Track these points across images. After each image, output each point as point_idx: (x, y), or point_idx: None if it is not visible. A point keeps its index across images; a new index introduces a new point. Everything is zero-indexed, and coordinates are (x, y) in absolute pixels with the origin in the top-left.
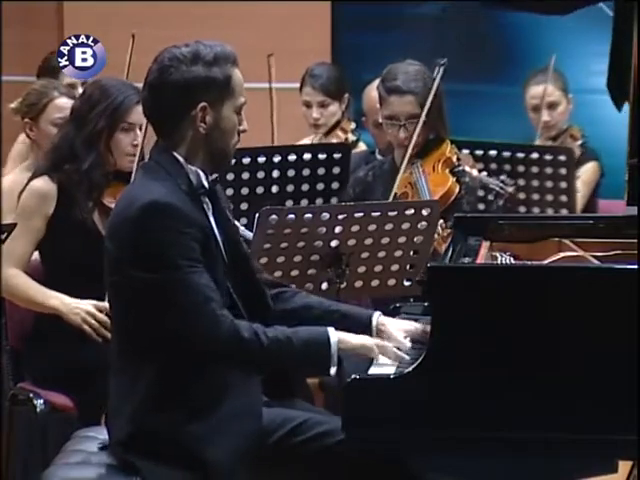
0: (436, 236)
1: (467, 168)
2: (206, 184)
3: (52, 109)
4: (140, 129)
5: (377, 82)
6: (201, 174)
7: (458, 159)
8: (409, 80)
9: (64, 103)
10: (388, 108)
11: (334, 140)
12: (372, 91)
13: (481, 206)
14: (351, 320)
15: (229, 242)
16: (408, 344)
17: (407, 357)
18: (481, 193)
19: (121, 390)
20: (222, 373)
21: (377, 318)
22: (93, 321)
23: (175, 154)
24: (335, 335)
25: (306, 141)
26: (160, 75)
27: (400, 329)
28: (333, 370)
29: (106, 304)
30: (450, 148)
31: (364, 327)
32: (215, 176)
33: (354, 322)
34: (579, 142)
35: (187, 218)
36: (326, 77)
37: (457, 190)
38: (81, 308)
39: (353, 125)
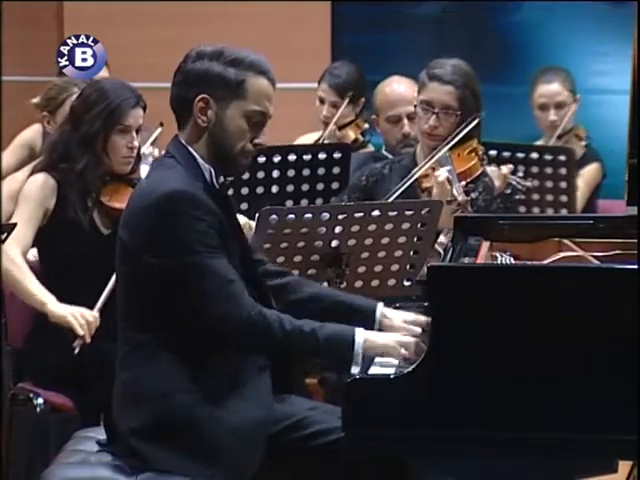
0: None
1: (489, 170)
2: (216, 184)
3: (69, 105)
4: (137, 132)
5: (391, 79)
6: (213, 173)
7: (482, 159)
8: (453, 72)
9: None
10: (426, 93)
11: (350, 131)
12: (386, 87)
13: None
14: (356, 312)
15: (238, 240)
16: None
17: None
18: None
19: (131, 377)
20: (237, 361)
21: (380, 310)
22: (79, 316)
23: (190, 150)
24: (362, 335)
25: (314, 135)
26: (181, 64)
27: (403, 320)
28: (355, 369)
29: (95, 313)
30: (477, 143)
31: (369, 319)
32: (225, 180)
33: (359, 314)
34: (583, 142)
35: (205, 206)
36: (344, 80)
37: (480, 170)
38: (69, 307)
39: (366, 126)
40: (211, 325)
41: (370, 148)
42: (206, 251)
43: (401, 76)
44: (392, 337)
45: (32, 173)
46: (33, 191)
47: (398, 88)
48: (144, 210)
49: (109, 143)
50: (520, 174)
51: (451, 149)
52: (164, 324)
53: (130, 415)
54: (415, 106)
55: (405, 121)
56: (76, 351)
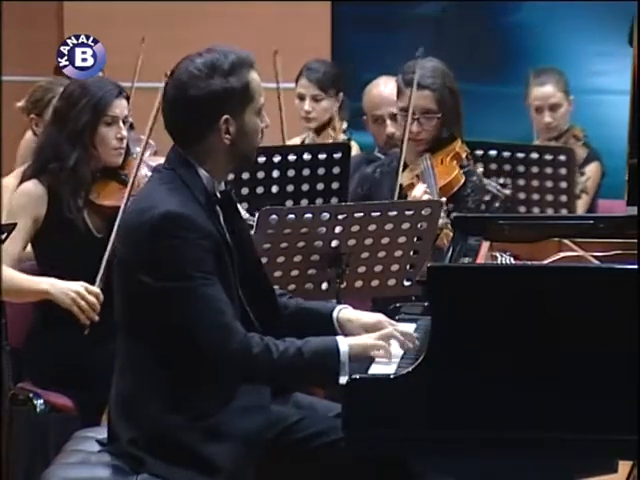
0: (447, 232)
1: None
2: (218, 193)
3: None
4: (124, 122)
5: (378, 80)
6: (215, 182)
7: (468, 158)
8: (427, 76)
9: None
10: (404, 100)
11: (325, 138)
12: (373, 88)
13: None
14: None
15: (241, 248)
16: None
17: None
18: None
19: (128, 391)
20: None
21: (337, 314)
22: (82, 302)
23: (191, 161)
24: (345, 344)
25: (296, 140)
26: (177, 92)
27: (365, 328)
28: (343, 379)
29: (96, 288)
30: (460, 145)
31: (327, 325)
32: (226, 186)
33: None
34: (581, 142)
35: (201, 229)
36: (323, 72)
37: (462, 181)
38: (71, 289)
39: (345, 125)
40: (202, 353)
41: (354, 146)
42: (200, 277)
43: (390, 77)
44: (372, 335)
45: (22, 180)
46: (22, 202)
47: (383, 89)
48: (139, 228)
49: (97, 136)
50: (502, 180)
51: (433, 154)
52: (157, 338)
53: (127, 427)
54: (394, 114)
55: (388, 122)
56: (86, 332)
